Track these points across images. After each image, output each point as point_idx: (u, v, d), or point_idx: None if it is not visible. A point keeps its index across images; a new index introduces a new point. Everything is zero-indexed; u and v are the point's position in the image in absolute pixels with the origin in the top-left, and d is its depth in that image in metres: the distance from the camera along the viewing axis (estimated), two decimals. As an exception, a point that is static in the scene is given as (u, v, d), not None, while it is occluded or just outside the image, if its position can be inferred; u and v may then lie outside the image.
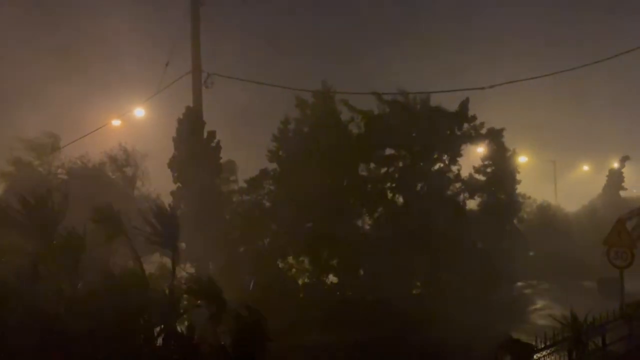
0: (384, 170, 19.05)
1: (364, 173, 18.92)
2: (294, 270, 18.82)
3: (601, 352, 12.79)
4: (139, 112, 21.59)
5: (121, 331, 9.56)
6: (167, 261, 19.30)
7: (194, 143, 18.93)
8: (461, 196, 19.51)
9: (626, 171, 38.89)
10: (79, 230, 10.54)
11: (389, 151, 19.14)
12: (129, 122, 21.66)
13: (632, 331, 13.71)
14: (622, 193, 39.48)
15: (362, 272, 18.34)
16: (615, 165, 41.70)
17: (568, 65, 17.13)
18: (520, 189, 21.18)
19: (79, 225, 10.44)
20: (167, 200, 19.51)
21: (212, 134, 19.38)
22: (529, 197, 23.55)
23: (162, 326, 10.20)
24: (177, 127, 19.26)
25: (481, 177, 20.02)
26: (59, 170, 19.52)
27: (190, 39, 19.73)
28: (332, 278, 18.73)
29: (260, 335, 9.61)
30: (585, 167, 49.36)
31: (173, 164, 19.19)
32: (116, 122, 21.47)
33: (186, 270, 19.39)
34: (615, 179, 40.89)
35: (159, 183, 20.04)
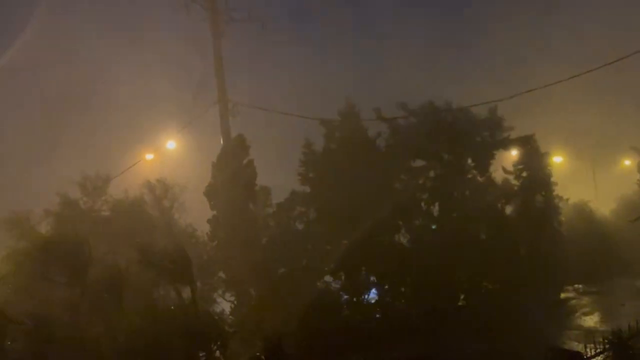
0: (415, 182, 18.86)
1: (397, 186, 18.77)
2: (333, 290, 18.68)
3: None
4: (171, 144, 22.00)
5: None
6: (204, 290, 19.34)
7: (231, 168, 18.89)
8: (497, 202, 19.19)
9: None
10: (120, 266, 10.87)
11: (419, 162, 18.98)
12: (160, 156, 22.03)
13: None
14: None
15: (403, 288, 18.14)
16: None
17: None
18: (557, 190, 20.77)
19: (123, 259, 10.73)
20: (205, 229, 19.73)
21: (246, 154, 19.29)
22: (567, 199, 23.06)
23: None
24: (219, 153, 19.25)
25: (516, 182, 19.72)
26: (103, 207, 19.75)
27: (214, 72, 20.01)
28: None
29: None
30: (627, 162, 46.23)
31: (209, 192, 19.13)
32: (149, 156, 21.83)
33: (225, 298, 19.49)
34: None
35: (194, 213, 20.15)
